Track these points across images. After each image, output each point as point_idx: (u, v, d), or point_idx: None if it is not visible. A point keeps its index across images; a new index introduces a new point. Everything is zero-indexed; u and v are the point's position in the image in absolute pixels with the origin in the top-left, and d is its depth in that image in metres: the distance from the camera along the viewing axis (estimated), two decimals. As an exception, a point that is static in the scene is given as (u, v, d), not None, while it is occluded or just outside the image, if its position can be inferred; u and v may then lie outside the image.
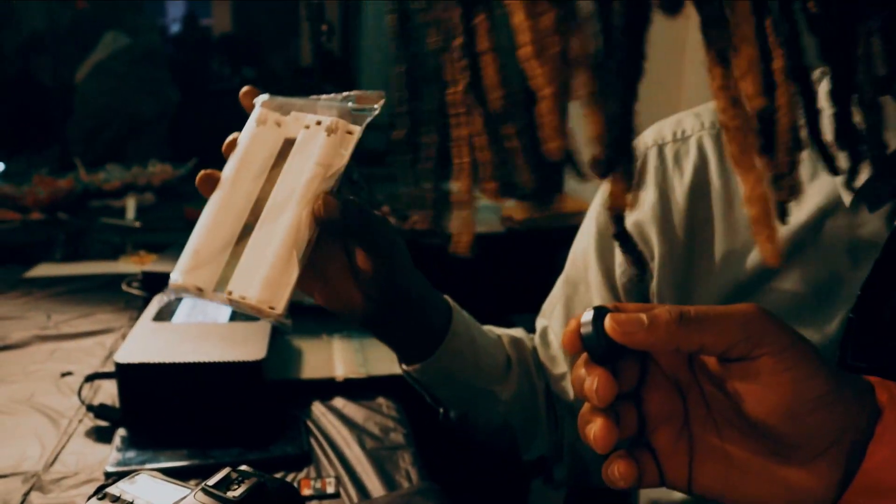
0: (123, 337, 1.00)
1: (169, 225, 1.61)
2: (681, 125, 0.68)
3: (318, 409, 0.86)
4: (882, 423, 0.36)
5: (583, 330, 0.38)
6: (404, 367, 0.68)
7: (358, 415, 0.85)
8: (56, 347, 1.00)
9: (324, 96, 0.56)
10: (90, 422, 0.81)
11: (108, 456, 0.74)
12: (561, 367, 0.72)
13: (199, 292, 0.51)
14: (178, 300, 0.98)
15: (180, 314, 0.94)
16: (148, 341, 0.85)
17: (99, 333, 1.05)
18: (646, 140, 0.69)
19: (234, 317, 0.94)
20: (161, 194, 1.86)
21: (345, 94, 0.56)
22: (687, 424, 0.40)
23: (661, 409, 0.39)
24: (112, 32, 3.44)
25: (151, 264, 1.19)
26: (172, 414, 0.81)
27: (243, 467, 0.52)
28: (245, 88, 0.59)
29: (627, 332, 0.36)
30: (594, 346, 0.37)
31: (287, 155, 0.54)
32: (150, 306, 0.96)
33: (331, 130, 0.53)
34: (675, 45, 1.60)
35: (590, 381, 0.37)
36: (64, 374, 0.92)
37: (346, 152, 0.54)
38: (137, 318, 1.05)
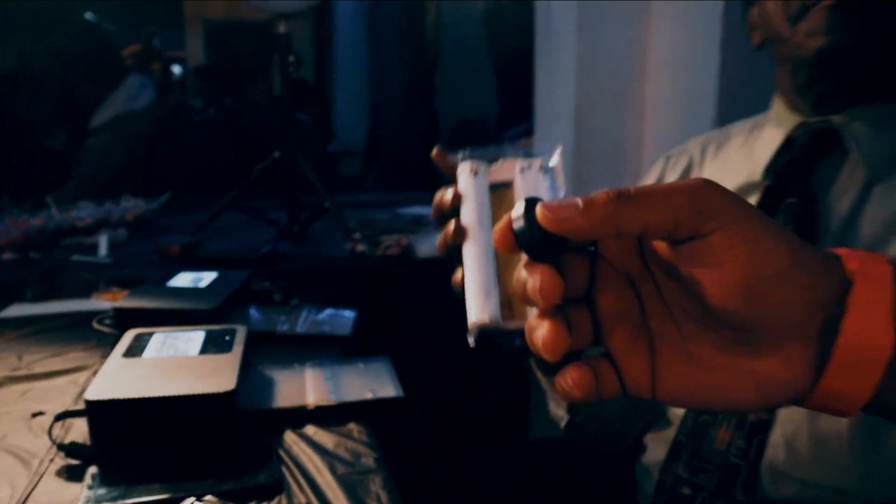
0: (95, 374, 1.00)
1: (142, 260, 1.61)
2: (685, 144, 0.92)
3: (289, 437, 0.87)
4: (853, 294, 0.32)
5: (515, 225, 0.34)
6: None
7: (329, 441, 0.86)
8: (28, 388, 1.00)
9: (504, 144, 0.60)
10: (61, 461, 0.81)
11: (80, 494, 0.74)
12: None
13: (497, 325, 0.55)
14: (149, 335, 0.99)
15: (151, 349, 0.95)
16: (118, 377, 0.86)
17: (71, 372, 1.05)
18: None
19: (205, 349, 0.94)
20: (134, 229, 1.87)
21: (516, 143, 0.61)
22: (645, 324, 0.36)
23: (615, 309, 0.36)
24: (137, 77, 3.36)
25: (122, 300, 1.19)
26: (145, 449, 0.82)
27: (208, 497, 0.53)
28: (435, 151, 0.60)
29: (561, 217, 0.33)
30: (529, 240, 0.33)
31: (505, 195, 0.57)
32: (121, 342, 0.97)
33: (545, 169, 0.57)
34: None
35: (532, 280, 0.33)
36: (35, 415, 0.92)
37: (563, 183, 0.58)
38: (109, 355, 1.06)
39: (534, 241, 0.33)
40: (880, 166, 0.71)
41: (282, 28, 1.80)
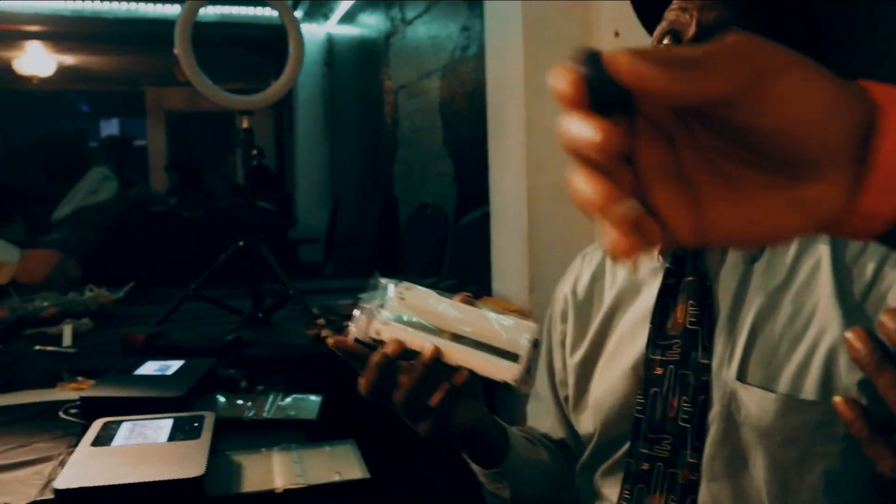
0: (62, 464, 1.01)
1: (106, 350, 1.62)
2: (599, 243, 0.99)
3: (258, 521, 0.89)
4: (884, 118, 0.34)
5: (585, 70, 0.31)
6: (485, 470, 0.87)
7: (297, 524, 0.88)
8: (-7, 480, 1.00)
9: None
10: (30, 552, 0.82)
11: (50, 583, 0.75)
12: None
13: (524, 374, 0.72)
14: (118, 424, 1.01)
15: (119, 437, 0.97)
16: (88, 466, 0.87)
17: (36, 462, 1.05)
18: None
19: (174, 436, 0.97)
20: (98, 319, 1.87)
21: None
22: (684, 174, 0.35)
23: (654, 162, 0.35)
24: (99, 169, 3.39)
25: (89, 389, 1.20)
26: (114, 537, 0.83)
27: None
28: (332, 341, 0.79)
29: (625, 63, 0.31)
30: (601, 89, 0.31)
31: None
32: (89, 432, 0.99)
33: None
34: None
35: (592, 131, 0.32)
36: (1, 507, 0.93)
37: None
38: (76, 444, 1.06)
39: (607, 90, 0.31)
40: (756, 250, 0.83)
41: (244, 123, 1.88)
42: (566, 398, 0.98)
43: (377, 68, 4.81)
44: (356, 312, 0.76)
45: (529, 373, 0.71)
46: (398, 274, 3.60)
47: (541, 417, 1.04)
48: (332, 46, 6.30)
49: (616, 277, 0.95)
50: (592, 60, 0.31)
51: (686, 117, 0.35)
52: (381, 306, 0.75)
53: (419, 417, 0.76)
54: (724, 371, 0.79)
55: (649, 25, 0.90)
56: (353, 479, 0.95)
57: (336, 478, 0.95)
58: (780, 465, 0.74)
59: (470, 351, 0.72)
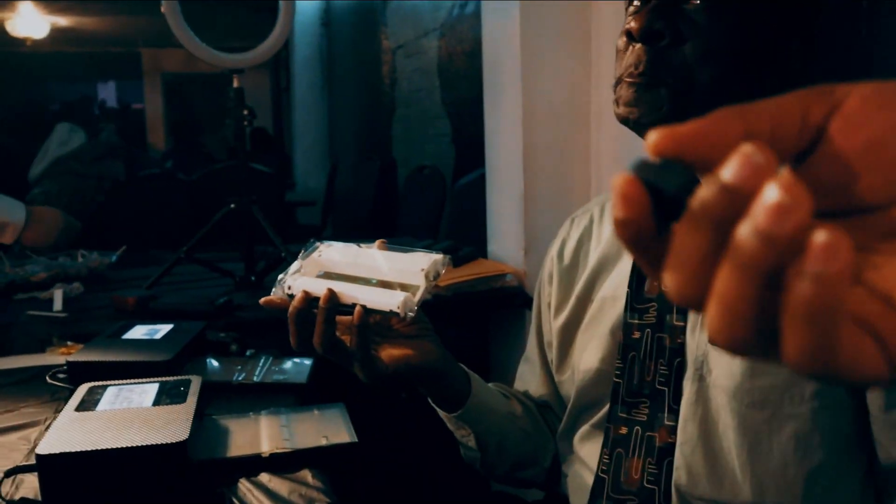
0: (47, 429, 1.00)
1: (97, 314, 1.60)
2: (589, 204, 1.00)
3: (244, 485, 0.88)
4: None
5: (635, 170, 0.27)
6: (449, 415, 0.89)
7: (283, 488, 0.87)
8: (-22, 445, 1.00)
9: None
10: (12, 517, 0.81)
11: (31, 549, 0.74)
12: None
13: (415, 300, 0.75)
14: (103, 389, 1.00)
15: (104, 402, 0.95)
16: (70, 431, 0.86)
17: (23, 428, 1.05)
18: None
19: (159, 401, 0.95)
20: (89, 283, 1.86)
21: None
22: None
23: None
24: (65, 124, 3.42)
25: (76, 354, 1.19)
26: (98, 502, 0.82)
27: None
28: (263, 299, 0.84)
29: (682, 133, 0.26)
30: (659, 177, 0.26)
31: None
32: (74, 396, 0.97)
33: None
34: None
35: (766, 200, 0.23)
36: (-14, 471, 0.92)
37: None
38: (62, 409, 1.05)
39: (674, 176, 0.26)
40: None
41: (235, 83, 1.84)
42: (552, 360, 0.98)
43: (375, 28, 4.74)
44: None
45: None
46: (394, 236, 3.59)
47: (527, 379, 1.05)
48: (328, 6, 6.20)
49: (601, 240, 0.95)
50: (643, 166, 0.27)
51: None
52: (301, 266, 0.80)
53: (346, 362, 0.79)
54: (696, 334, 0.79)
55: None
56: (341, 442, 0.94)
57: (323, 442, 0.94)
58: (750, 427, 0.74)
59: (365, 289, 0.75)
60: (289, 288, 0.79)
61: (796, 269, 0.23)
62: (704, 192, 0.24)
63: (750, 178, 0.23)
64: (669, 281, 0.26)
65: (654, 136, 0.27)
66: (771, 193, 0.23)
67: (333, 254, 0.82)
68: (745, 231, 0.23)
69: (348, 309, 0.74)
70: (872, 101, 0.27)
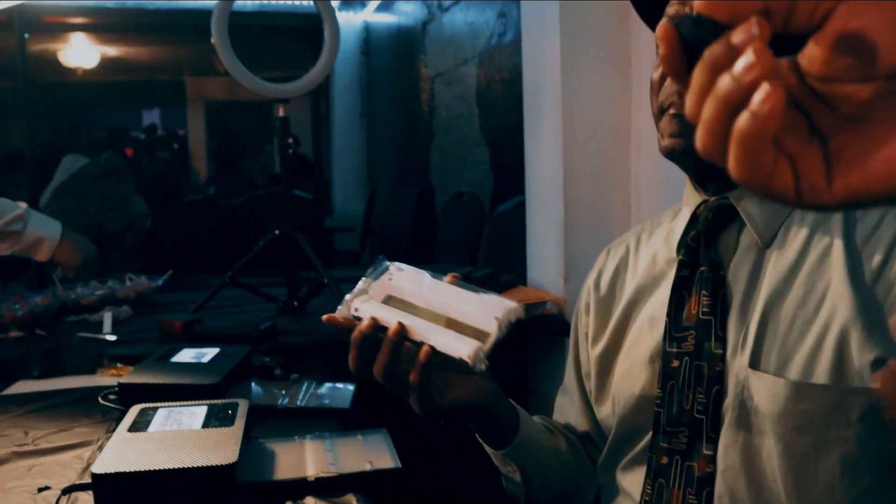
0: (101, 449, 1.03)
1: (145, 337, 1.64)
2: (624, 235, 1.01)
3: (290, 508, 0.89)
4: None
5: (677, 22, 0.36)
6: (496, 451, 0.89)
7: (329, 512, 0.88)
8: (34, 463, 1.03)
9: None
10: (68, 534, 0.84)
11: (86, 566, 0.76)
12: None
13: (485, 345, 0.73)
14: (154, 410, 1.02)
15: (155, 424, 0.98)
16: (124, 451, 0.89)
17: (77, 447, 1.08)
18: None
19: (208, 423, 0.98)
20: (137, 306, 1.91)
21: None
22: (814, 128, 0.36)
23: (786, 123, 0.35)
24: (71, 155, 3.57)
25: (127, 376, 1.22)
26: (149, 522, 0.84)
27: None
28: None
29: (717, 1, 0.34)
30: (694, 31, 0.35)
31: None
32: (127, 417, 1.00)
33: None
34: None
35: (743, 58, 0.33)
36: (41, 489, 0.94)
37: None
38: (114, 430, 1.08)
39: (703, 30, 0.35)
40: (769, 235, 0.81)
41: (280, 112, 1.88)
42: (590, 391, 0.98)
43: (414, 56, 4.81)
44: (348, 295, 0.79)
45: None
46: (433, 262, 3.59)
47: (567, 411, 1.04)
48: (368, 34, 6.31)
49: (637, 271, 0.95)
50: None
51: (812, 83, 0.36)
52: (369, 286, 0.79)
53: (403, 392, 0.79)
54: (737, 359, 0.78)
55: (651, 20, 0.89)
56: (385, 468, 0.95)
57: (367, 467, 0.95)
58: (795, 452, 0.73)
59: (436, 328, 0.73)
60: (356, 310, 0.77)
61: (745, 106, 0.33)
62: (714, 47, 0.34)
63: (744, 42, 0.33)
64: (689, 110, 0.36)
65: (699, 2, 0.35)
66: (747, 55, 0.33)
67: (404, 280, 0.80)
68: (725, 75, 0.34)
69: (414, 343, 0.74)
70: None
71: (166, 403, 1.05)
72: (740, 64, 0.33)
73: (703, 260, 0.84)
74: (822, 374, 0.72)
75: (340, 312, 0.78)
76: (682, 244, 0.87)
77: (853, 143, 0.35)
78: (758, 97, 0.33)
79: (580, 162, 1.71)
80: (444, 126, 4.31)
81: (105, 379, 1.37)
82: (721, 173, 0.36)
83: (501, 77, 3.38)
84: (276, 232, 1.88)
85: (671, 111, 0.79)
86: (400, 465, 0.95)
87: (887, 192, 0.35)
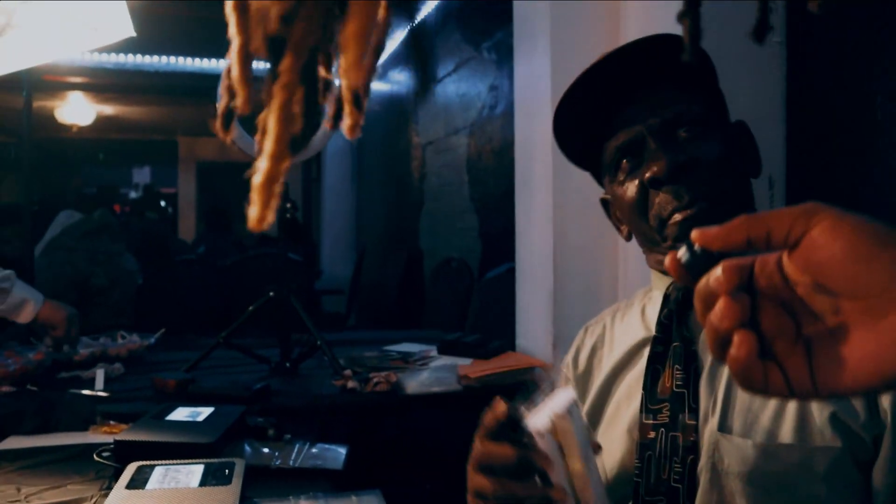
0: (96, 506, 1.03)
1: (137, 395, 1.65)
2: (601, 314, 1.06)
3: (285, 568, 0.90)
4: None
5: (679, 255, 0.46)
6: None
7: (324, 572, 0.89)
8: (28, 519, 1.03)
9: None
10: (65, 591, 0.84)
11: None
12: None
13: None
14: (151, 468, 1.04)
15: (153, 481, 0.99)
16: (123, 508, 0.90)
17: (70, 504, 1.08)
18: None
19: (205, 482, 0.99)
20: (129, 364, 1.91)
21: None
22: (800, 334, 0.45)
23: (773, 325, 0.45)
24: (66, 211, 3.62)
25: (123, 433, 1.23)
26: (145, 579, 0.85)
27: None
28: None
29: (710, 234, 0.45)
30: (692, 262, 0.46)
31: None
32: (124, 474, 1.01)
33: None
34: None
35: (719, 306, 0.44)
36: (37, 546, 0.95)
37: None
38: (108, 487, 1.09)
39: (698, 261, 0.46)
40: None
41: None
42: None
43: (405, 124, 4.91)
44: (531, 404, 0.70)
45: None
46: (421, 327, 3.59)
47: None
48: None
49: (613, 347, 0.99)
50: (687, 247, 0.47)
51: (795, 288, 0.45)
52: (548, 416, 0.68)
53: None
54: (707, 424, 0.82)
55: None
56: (379, 529, 0.96)
57: (362, 528, 0.96)
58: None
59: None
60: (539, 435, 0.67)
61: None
62: (701, 284, 0.46)
63: (717, 290, 0.45)
64: (698, 316, 0.47)
65: (695, 233, 0.46)
66: (720, 305, 0.44)
67: (569, 432, 0.68)
68: (711, 313, 0.45)
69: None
70: (829, 232, 0.42)
71: (163, 462, 1.06)
72: (716, 312, 0.44)
73: (675, 336, 0.89)
74: (786, 434, 0.77)
75: (533, 423, 0.68)
76: (657, 322, 0.92)
77: (833, 346, 0.43)
78: (734, 344, 0.44)
79: (570, 232, 1.76)
80: (435, 193, 4.39)
81: (98, 436, 1.38)
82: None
83: (492, 147, 3.47)
84: (272, 294, 1.90)
85: (678, 216, 0.85)
86: (395, 527, 0.97)
87: (873, 388, 0.42)
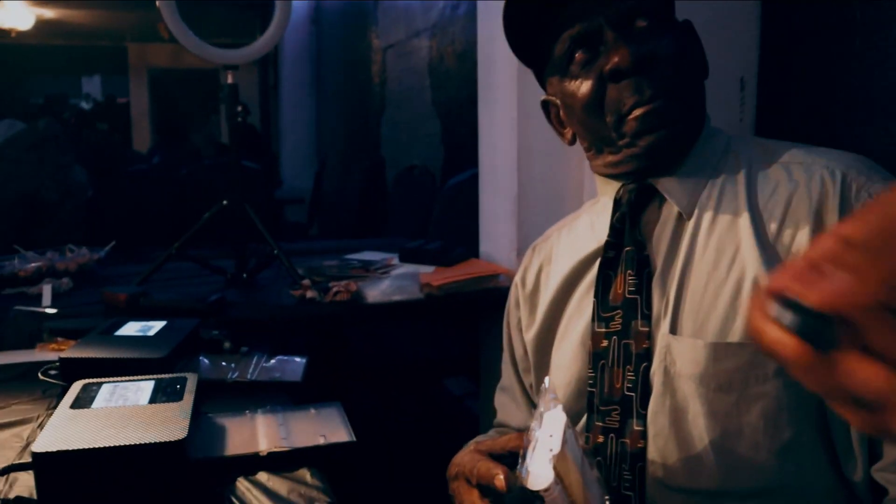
0: (41, 427, 0.99)
1: (87, 310, 1.59)
2: (548, 231, 1.05)
3: (242, 484, 0.87)
4: None
5: (784, 320, 0.33)
6: None
7: (282, 487, 0.86)
8: (-30, 441, 0.98)
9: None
10: (7, 515, 0.80)
11: (27, 548, 0.73)
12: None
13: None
14: (98, 386, 0.99)
15: (100, 400, 0.94)
16: (66, 429, 0.85)
17: (15, 425, 1.03)
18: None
19: (155, 399, 0.95)
20: (78, 279, 1.84)
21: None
22: None
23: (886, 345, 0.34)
24: (6, 120, 3.44)
25: (69, 350, 1.18)
26: (94, 501, 0.81)
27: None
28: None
29: (832, 290, 0.32)
30: (812, 328, 0.32)
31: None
32: (69, 393, 0.96)
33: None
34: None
35: (864, 371, 0.32)
36: (-21, 469, 0.91)
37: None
38: (54, 406, 1.04)
39: (817, 326, 0.32)
40: (690, 208, 0.84)
41: (229, 79, 1.83)
42: (531, 385, 0.99)
43: (365, 27, 4.73)
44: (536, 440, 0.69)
45: None
46: (383, 235, 3.55)
47: (511, 411, 1.05)
48: (319, 4, 6.18)
49: (561, 263, 0.97)
50: (785, 300, 0.33)
51: None
52: (551, 449, 0.67)
53: None
54: (660, 327, 0.81)
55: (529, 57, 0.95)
56: (339, 442, 0.94)
57: (321, 440, 0.93)
58: (718, 412, 0.76)
59: None
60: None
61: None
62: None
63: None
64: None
65: (817, 299, 0.32)
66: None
67: (568, 467, 0.67)
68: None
69: None
70: None
71: (111, 379, 1.01)
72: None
73: (627, 240, 0.86)
74: (737, 333, 0.75)
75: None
76: (610, 226, 0.89)
77: None
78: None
79: (534, 137, 1.70)
80: (396, 99, 4.27)
81: (45, 354, 1.32)
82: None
83: (454, 50, 3.35)
84: (225, 203, 1.83)
85: (639, 110, 0.81)
86: (354, 439, 0.94)
87: None
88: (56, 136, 3.33)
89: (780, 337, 0.33)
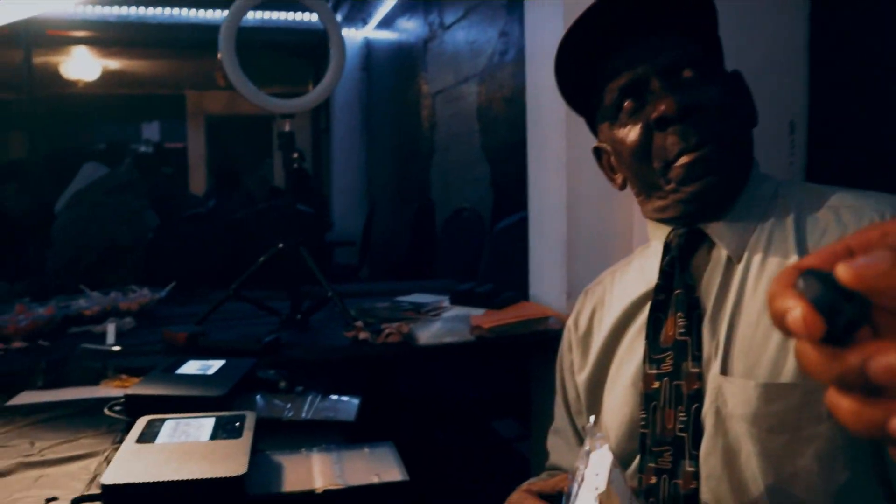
0: (107, 460, 1.03)
1: (148, 349, 1.64)
2: (600, 276, 1.06)
3: (298, 521, 0.89)
4: None
5: (809, 294, 0.31)
6: None
7: (337, 525, 0.88)
8: (41, 474, 1.03)
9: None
10: (77, 544, 0.84)
11: (96, 576, 0.76)
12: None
13: None
14: (161, 422, 1.03)
15: (163, 435, 0.98)
16: (133, 462, 0.89)
17: (83, 458, 1.08)
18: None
19: (216, 435, 0.98)
20: (140, 319, 1.91)
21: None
22: None
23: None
24: (91, 163, 3.57)
25: (133, 387, 1.22)
26: (157, 533, 0.84)
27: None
28: None
29: (875, 273, 0.30)
30: (839, 308, 0.30)
31: None
32: (134, 429, 1.00)
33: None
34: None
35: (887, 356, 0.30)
36: (49, 500, 0.94)
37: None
38: (120, 441, 1.08)
39: (840, 302, 0.30)
40: (740, 251, 0.86)
41: (286, 127, 1.90)
42: (583, 427, 0.99)
43: (414, 73, 4.84)
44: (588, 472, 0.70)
45: None
46: (432, 278, 3.57)
47: (563, 453, 1.06)
48: (369, 51, 6.34)
49: (613, 307, 0.98)
50: (818, 276, 0.31)
51: None
52: (597, 487, 0.67)
53: None
54: (711, 369, 0.81)
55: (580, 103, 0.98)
56: (392, 481, 0.95)
57: (375, 479, 0.95)
58: (771, 453, 0.75)
59: None
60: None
61: None
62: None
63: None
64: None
65: (847, 271, 0.30)
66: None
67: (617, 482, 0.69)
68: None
69: None
70: None
71: (174, 415, 1.05)
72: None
73: (677, 283, 0.87)
74: (788, 374, 0.75)
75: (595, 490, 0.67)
76: (660, 270, 0.91)
77: None
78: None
79: (583, 181, 1.72)
80: (445, 143, 4.33)
81: (109, 390, 1.37)
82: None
83: (503, 95, 3.41)
84: (280, 246, 1.88)
85: (685, 158, 0.84)
86: (408, 478, 0.96)
87: None
88: (135, 180, 3.45)
89: (795, 306, 0.32)
